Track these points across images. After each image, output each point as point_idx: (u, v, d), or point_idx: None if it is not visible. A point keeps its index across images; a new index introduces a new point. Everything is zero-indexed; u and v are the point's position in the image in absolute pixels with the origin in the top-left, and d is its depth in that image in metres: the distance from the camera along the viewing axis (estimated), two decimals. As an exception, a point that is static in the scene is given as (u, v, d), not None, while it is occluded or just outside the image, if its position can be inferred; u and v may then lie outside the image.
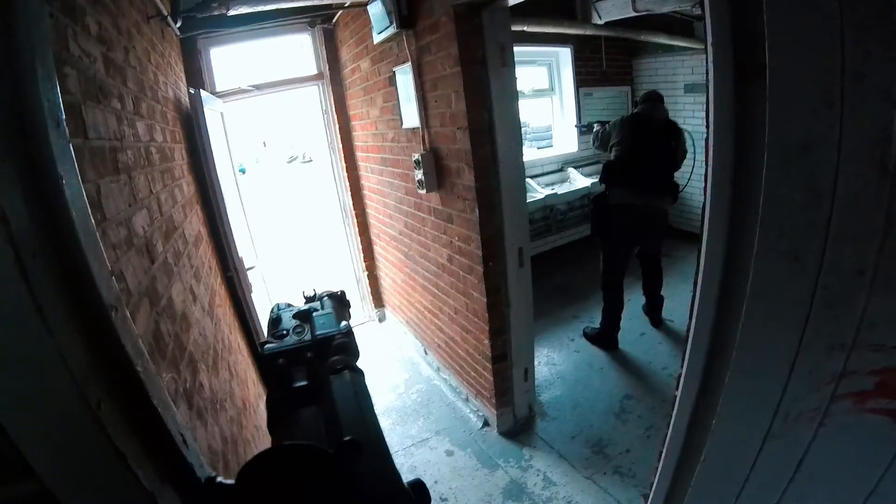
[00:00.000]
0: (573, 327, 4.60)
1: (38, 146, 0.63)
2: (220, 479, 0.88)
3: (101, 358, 0.71)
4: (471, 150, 2.50)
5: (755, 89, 1.01)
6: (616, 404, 3.48)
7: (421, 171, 2.94)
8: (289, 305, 1.91)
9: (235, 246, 3.65)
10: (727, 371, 1.15)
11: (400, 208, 3.86)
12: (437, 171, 2.95)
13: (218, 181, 3.51)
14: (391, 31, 2.81)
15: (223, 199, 3.54)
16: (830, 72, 0.91)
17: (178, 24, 3.20)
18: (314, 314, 1.71)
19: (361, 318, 5.46)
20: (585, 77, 5.99)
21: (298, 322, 1.67)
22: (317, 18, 4.33)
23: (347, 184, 4.92)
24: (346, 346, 1.54)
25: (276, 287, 5.24)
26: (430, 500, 0.95)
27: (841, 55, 0.90)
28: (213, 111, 4.04)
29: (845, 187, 0.92)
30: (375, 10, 2.87)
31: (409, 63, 2.86)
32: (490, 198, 2.62)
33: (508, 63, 2.51)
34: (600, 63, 6.13)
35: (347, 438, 0.83)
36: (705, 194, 1.16)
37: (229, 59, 4.57)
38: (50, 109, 0.66)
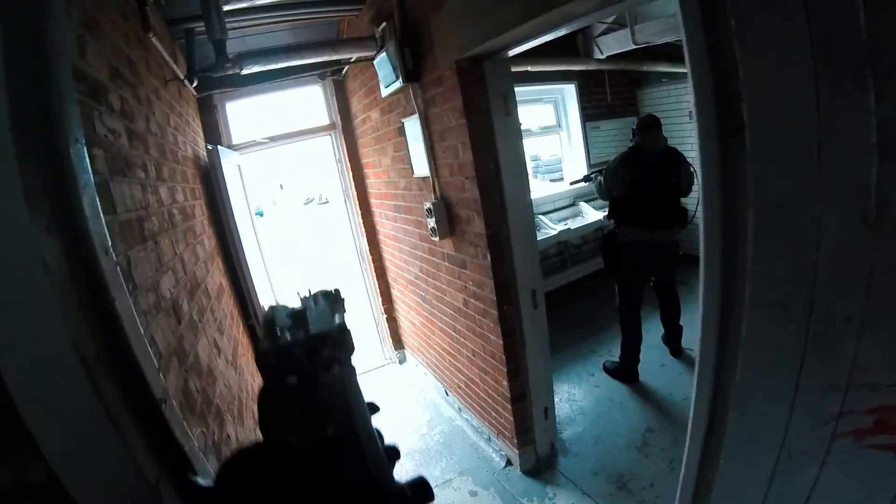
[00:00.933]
0: (592, 361, 4.60)
1: (93, 272, 0.73)
2: (199, 480, 0.90)
3: (155, 443, 0.80)
4: (479, 198, 2.59)
5: (738, 146, 1.08)
6: (638, 438, 3.46)
7: (433, 219, 3.04)
8: (284, 306, 1.96)
9: (256, 294, 3.75)
10: (729, 413, 1.19)
11: (415, 253, 3.95)
12: (448, 218, 3.05)
13: (237, 233, 3.62)
14: (397, 84, 2.94)
15: (242, 250, 3.65)
16: (807, 129, 0.97)
17: (195, 84, 3.36)
18: (309, 313, 1.72)
19: (381, 361, 5.51)
20: (591, 111, 6.12)
21: (292, 322, 1.66)
22: (327, 72, 4.52)
23: (363, 229, 5.04)
24: (340, 343, 1.54)
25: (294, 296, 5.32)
26: (433, 499, 0.91)
27: (817, 113, 0.96)
28: (230, 164, 4.19)
29: (828, 238, 0.98)
30: (382, 65, 3.01)
31: (417, 115, 2.98)
32: (500, 243, 2.70)
33: (511, 111, 2.61)
34: (605, 96, 6.26)
35: (327, 433, 0.77)
36: (700, 245, 1.22)
37: (244, 113, 4.77)
38: (100, 241, 0.76)
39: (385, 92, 3.23)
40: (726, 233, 1.14)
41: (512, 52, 2.43)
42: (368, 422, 0.94)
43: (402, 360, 5.38)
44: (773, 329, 1.06)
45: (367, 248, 5.07)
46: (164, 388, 0.87)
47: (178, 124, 3.05)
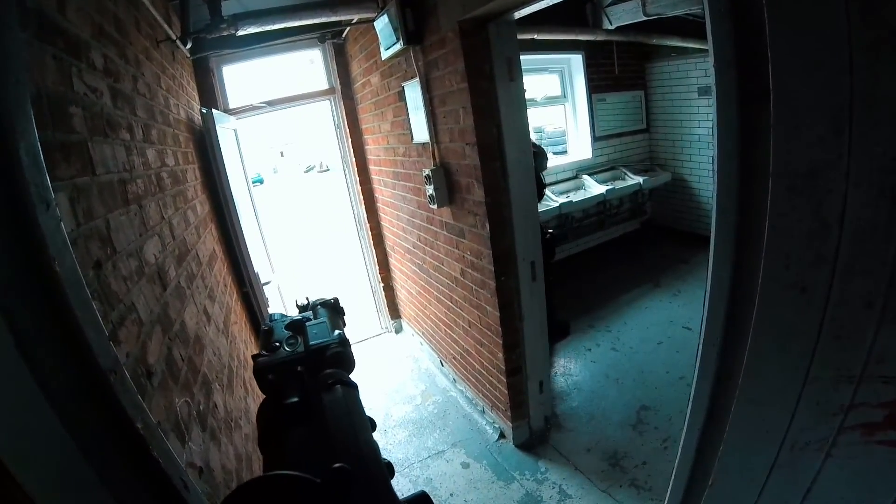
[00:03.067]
0: (589, 337, 4.56)
1: (30, 228, 0.65)
2: None
3: (103, 417, 0.72)
4: (480, 165, 2.49)
5: (760, 113, 0.98)
6: (632, 415, 3.43)
7: (432, 186, 2.94)
8: (283, 316, 1.86)
9: (251, 262, 3.68)
10: (734, 399, 1.13)
11: (413, 222, 3.86)
12: (447, 186, 2.95)
13: (232, 199, 3.54)
14: (398, 47, 2.81)
15: (237, 216, 3.57)
16: (839, 97, 0.88)
17: (189, 46, 3.24)
18: (307, 324, 1.64)
19: (377, 330, 5.48)
20: (598, 83, 5.95)
21: (291, 333, 1.60)
22: (326, 34, 4.36)
23: (361, 197, 4.94)
24: (340, 357, 1.48)
25: (292, 300, 5.28)
26: None
27: (850, 80, 0.87)
28: (226, 129, 4.08)
29: (854, 218, 0.89)
30: (382, 27, 2.87)
31: (418, 79, 2.86)
32: (500, 213, 2.61)
33: (516, 76, 2.50)
34: (613, 68, 6.08)
35: (337, 466, 0.78)
36: (712, 220, 1.14)
37: (242, 77, 4.63)
38: (39, 193, 0.67)
39: (385, 55, 3.10)
40: (742, 207, 1.06)
41: (518, 14, 2.30)
42: (376, 448, 0.94)
43: (398, 330, 5.34)
44: (787, 313, 0.98)
45: (366, 215, 4.97)
46: (115, 359, 0.80)
47: (171, 87, 2.94)
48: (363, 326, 5.57)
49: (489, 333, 3.06)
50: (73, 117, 1.27)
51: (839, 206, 0.90)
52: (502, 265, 2.71)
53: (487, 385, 3.37)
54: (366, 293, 5.54)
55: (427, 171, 2.96)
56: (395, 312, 5.33)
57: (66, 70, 1.30)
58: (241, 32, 3.14)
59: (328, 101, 4.76)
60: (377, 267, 5.17)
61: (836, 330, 0.94)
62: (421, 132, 3.10)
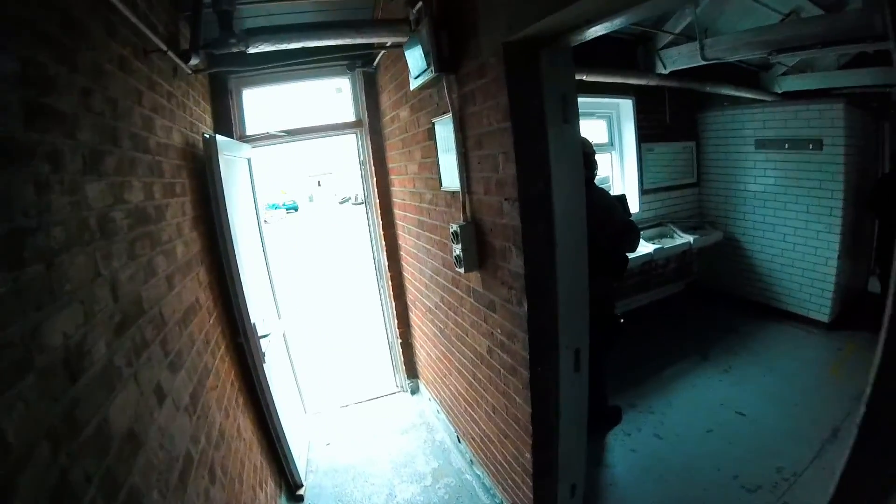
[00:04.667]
0: (630, 419, 3.87)
1: None
2: None
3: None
4: (521, 227, 1.91)
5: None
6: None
7: (459, 246, 2.37)
8: None
9: (247, 311, 3.15)
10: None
11: (436, 280, 3.29)
12: (478, 247, 2.37)
13: (231, 237, 3.05)
14: (429, 75, 2.29)
15: (236, 257, 3.07)
16: None
17: (195, 62, 2.78)
18: None
19: (391, 388, 4.85)
20: (647, 131, 5.37)
21: None
22: (357, 61, 3.91)
23: (383, 242, 4.40)
24: None
25: (300, 352, 4.73)
26: None
27: None
28: (236, 158, 3.62)
29: None
30: (412, 51, 2.36)
31: (450, 114, 2.32)
32: (543, 288, 2.01)
33: (571, 118, 1.93)
34: (664, 116, 5.50)
35: None
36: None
37: (263, 102, 4.20)
38: None
39: (414, 84, 2.57)
40: None
41: (579, 39, 1.74)
42: None
43: (414, 391, 4.71)
44: None
45: (387, 263, 4.42)
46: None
47: (162, 106, 2.49)
48: (377, 383, 4.98)
49: (516, 427, 2.44)
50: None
51: None
52: (540, 352, 2.10)
53: (509, 481, 2.73)
54: (382, 347, 4.95)
55: (455, 227, 2.39)
56: (412, 371, 4.71)
57: None
58: (252, 50, 2.69)
59: (354, 135, 4.28)
60: (396, 321, 4.58)
61: None
62: (451, 178, 2.55)
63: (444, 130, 2.50)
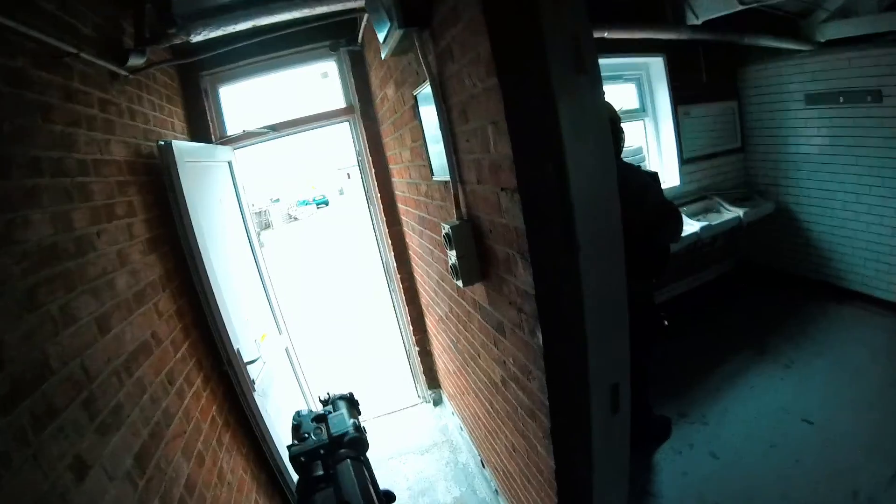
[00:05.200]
0: (681, 431, 3.20)
1: None
2: None
3: None
4: (524, 229, 1.30)
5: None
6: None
7: (454, 252, 1.78)
8: (309, 411, 2.06)
9: (229, 337, 2.67)
10: None
11: (443, 287, 2.70)
12: (479, 253, 1.77)
13: (201, 255, 2.57)
14: (395, 33, 1.68)
15: (210, 277, 2.59)
16: None
17: (139, 61, 2.30)
18: (329, 416, 1.98)
19: (413, 399, 4.31)
20: (682, 93, 4.60)
21: (317, 425, 1.92)
22: (340, 39, 3.33)
23: (389, 241, 3.83)
24: (355, 441, 1.81)
25: (310, 364, 4.22)
26: None
27: None
28: (214, 163, 3.12)
29: None
30: (374, 8, 1.76)
31: (428, 80, 1.72)
32: (563, 311, 1.38)
33: (588, 66, 1.30)
34: (700, 74, 4.73)
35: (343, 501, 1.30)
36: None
37: (245, 98, 3.68)
38: None
39: (385, 51, 1.95)
40: None
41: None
42: (372, 499, 1.47)
43: (437, 402, 4.14)
44: None
45: (395, 265, 3.85)
46: None
47: (88, 117, 2.07)
48: (397, 394, 4.45)
49: (539, 478, 1.85)
50: None
51: None
52: (562, 395, 1.49)
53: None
54: (399, 355, 4.42)
55: (447, 228, 1.79)
56: (433, 381, 4.14)
57: None
58: (196, 38, 2.27)
59: (347, 123, 3.71)
60: (411, 327, 4.01)
61: None
62: (441, 164, 1.96)
63: (427, 103, 1.91)
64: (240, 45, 2.92)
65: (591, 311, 1.37)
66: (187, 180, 2.58)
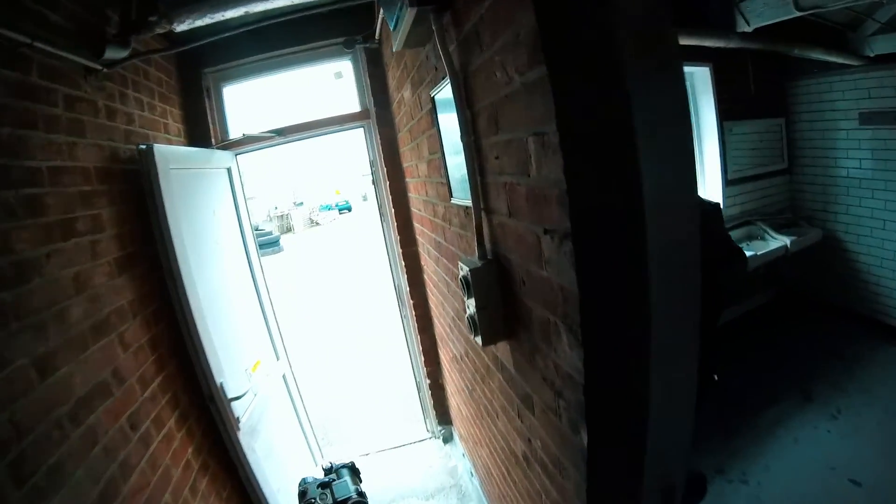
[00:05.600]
0: (718, 492, 2.73)
1: None
2: None
3: None
4: (577, 292, 0.86)
5: None
6: None
7: (472, 301, 1.35)
8: (314, 479, 2.19)
9: (210, 370, 2.31)
10: None
11: (458, 326, 2.25)
12: (505, 305, 1.34)
13: (183, 276, 2.24)
14: (408, 17, 1.28)
15: (190, 302, 2.24)
16: None
17: (123, 54, 1.96)
18: (333, 483, 2.14)
19: (422, 433, 3.87)
20: (728, 105, 4.13)
21: (322, 491, 2.08)
22: (356, 36, 2.95)
23: (402, 263, 3.41)
24: None
25: (311, 394, 3.83)
26: None
27: None
28: (210, 170, 2.77)
29: None
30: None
31: (447, 77, 1.32)
32: (620, 407, 0.95)
33: (672, 60, 0.88)
34: (746, 86, 4.26)
35: None
36: None
37: (252, 98, 3.32)
38: None
39: (396, 41, 1.56)
40: None
41: None
42: None
43: (447, 439, 3.69)
44: None
45: (408, 289, 3.43)
46: None
47: (48, 117, 1.76)
48: (405, 427, 4.04)
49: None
50: None
51: None
52: (603, 499, 1.07)
53: None
54: (409, 386, 4.00)
55: (465, 270, 1.36)
56: (444, 417, 3.70)
57: None
58: (179, 27, 1.98)
59: (361, 129, 3.32)
60: (422, 357, 3.58)
61: None
62: (461, 184, 1.55)
63: (446, 108, 1.50)
64: (240, 32, 2.65)
65: (656, 407, 0.94)
66: (172, 189, 2.24)
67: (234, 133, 3.13)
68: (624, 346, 0.88)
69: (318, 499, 2.01)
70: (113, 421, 1.76)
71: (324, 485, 2.12)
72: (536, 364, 1.18)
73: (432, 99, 1.69)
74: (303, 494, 2.10)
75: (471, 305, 1.36)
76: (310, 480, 2.20)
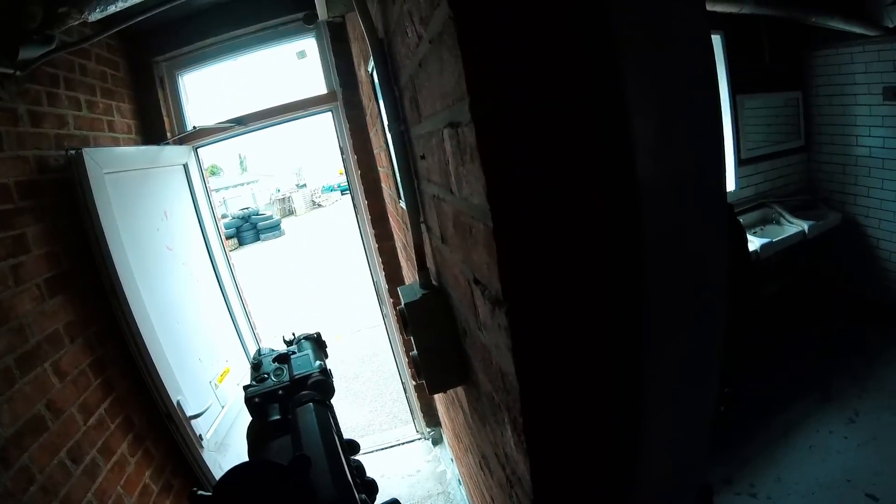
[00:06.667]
0: (725, 503, 2.45)
1: None
2: (199, 491, 0.86)
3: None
4: (517, 384, 0.50)
5: None
6: None
7: (412, 339, 1.02)
8: (271, 350, 1.77)
9: (165, 389, 2.02)
10: None
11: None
12: (454, 350, 0.96)
13: (125, 289, 1.91)
14: None
15: (138, 316, 2.03)
16: None
17: (37, 53, 1.65)
18: (292, 357, 1.64)
19: (411, 434, 3.56)
20: (740, 77, 3.71)
21: (278, 365, 1.60)
22: (315, 11, 2.56)
23: (379, 258, 3.06)
24: (320, 384, 1.52)
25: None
26: None
27: None
28: (161, 168, 2.44)
29: None
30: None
31: (370, 45, 0.95)
32: None
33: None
34: (761, 56, 3.81)
35: (298, 454, 0.91)
36: None
37: (212, 87, 2.96)
38: None
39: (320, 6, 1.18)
40: None
41: None
42: (336, 450, 1.15)
43: (436, 441, 3.37)
44: None
45: (387, 287, 3.08)
46: None
47: None
48: (394, 428, 3.78)
49: None
50: None
51: None
52: None
53: None
54: (395, 386, 3.71)
55: (402, 301, 1.03)
56: (433, 419, 3.38)
57: None
58: (94, 16, 1.77)
59: (329, 113, 2.95)
60: (405, 358, 3.24)
61: None
62: (402, 184, 1.20)
63: (378, 80, 1.14)
64: (190, 13, 2.24)
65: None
66: (108, 196, 1.96)
67: (197, 124, 2.77)
68: (596, 469, 0.53)
69: (272, 374, 1.57)
70: (49, 457, 1.59)
71: (281, 358, 1.67)
72: (490, 436, 0.83)
73: (371, 76, 1.33)
74: (256, 367, 1.70)
75: (413, 343, 1.01)
76: (265, 352, 1.81)
